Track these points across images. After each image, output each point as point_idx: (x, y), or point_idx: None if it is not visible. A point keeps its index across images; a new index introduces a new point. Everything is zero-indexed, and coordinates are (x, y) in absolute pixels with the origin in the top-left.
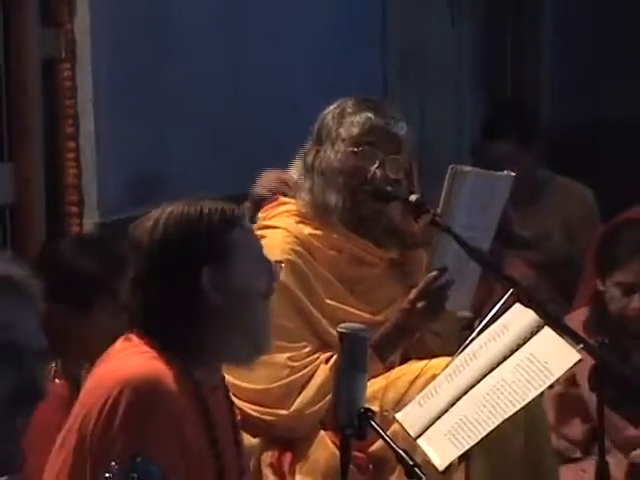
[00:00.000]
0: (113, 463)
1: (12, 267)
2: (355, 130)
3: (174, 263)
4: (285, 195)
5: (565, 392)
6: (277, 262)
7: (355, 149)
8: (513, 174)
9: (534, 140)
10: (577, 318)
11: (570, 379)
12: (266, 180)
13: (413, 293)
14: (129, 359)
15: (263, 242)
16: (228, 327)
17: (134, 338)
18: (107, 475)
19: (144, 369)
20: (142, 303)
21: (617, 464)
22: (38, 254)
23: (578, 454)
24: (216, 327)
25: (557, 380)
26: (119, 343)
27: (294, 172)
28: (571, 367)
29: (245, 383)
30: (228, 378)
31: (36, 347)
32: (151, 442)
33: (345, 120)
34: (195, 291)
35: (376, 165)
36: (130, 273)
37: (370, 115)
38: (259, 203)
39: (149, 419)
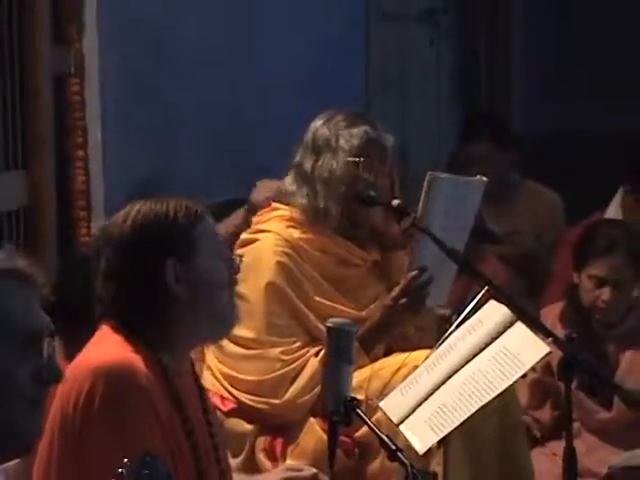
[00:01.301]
0: (125, 460)
1: (17, 259)
2: (355, 142)
3: (140, 257)
4: (280, 202)
5: (541, 379)
6: (238, 256)
7: (355, 160)
8: (485, 179)
9: (507, 144)
10: (553, 311)
11: (547, 368)
12: (262, 188)
13: (395, 291)
14: (101, 349)
15: (256, 245)
16: (193, 316)
17: (106, 328)
18: (120, 470)
19: (116, 357)
20: (112, 294)
21: (586, 446)
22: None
23: (539, 435)
24: (181, 317)
25: (534, 368)
26: (98, 332)
27: (288, 180)
28: (541, 359)
29: (241, 375)
30: (226, 371)
31: (48, 332)
32: (131, 426)
33: (343, 132)
34: (160, 283)
35: (372, 176)
36: (102, 265)
37: (366, 128)
38: (255, 209)
39: (126, 404)
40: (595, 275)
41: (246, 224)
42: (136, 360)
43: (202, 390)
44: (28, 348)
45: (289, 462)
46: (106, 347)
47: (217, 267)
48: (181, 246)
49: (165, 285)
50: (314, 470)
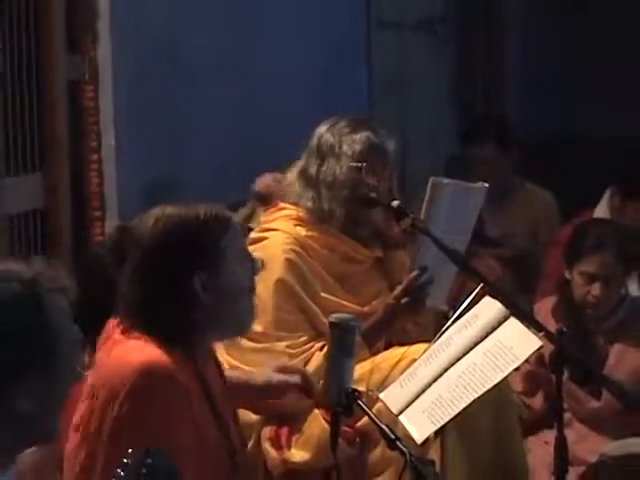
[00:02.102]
0: (130, 450)
1: (60, 274)
2: (358, 147)
3: (170, 264)
4: (286, 201)
5: (535, 371)
6: (260, 260)
7: (358, 165)
8: (486, 185)
9: (511, 147)
10: (545, 306)
11: (540, 360)
12: (262, 181)
13: (397, 290)
14: (133, 350)
15: (265, 243)
16: (216, 319)
17: (127, 330)
18: (125, 460)
19: (155, 358)
20: (139, 296)
21: (576, 435)
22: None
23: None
24: (204, 320)
25: (528, 360)
26: (116, 331)
27: (289, 175)
28: (533, 352)
29: (248, 367)
30: (235, 363)
31: (76, 337)
32: (169, 423)
33: (346, 138)
34: (187, 291)
35: (375, 179)
36: (129, 266)
37: (369, 134)
38: (260, 197)
39: (165, 402)
40: (586, 271)
41: (251, 214)
42: (172, 362)
43: (220, 367)
44: (74, 357)
45: (294, 451)
46: (138, 348)
47: (241, 273)
48: (210, 255)
49: (192, 293)
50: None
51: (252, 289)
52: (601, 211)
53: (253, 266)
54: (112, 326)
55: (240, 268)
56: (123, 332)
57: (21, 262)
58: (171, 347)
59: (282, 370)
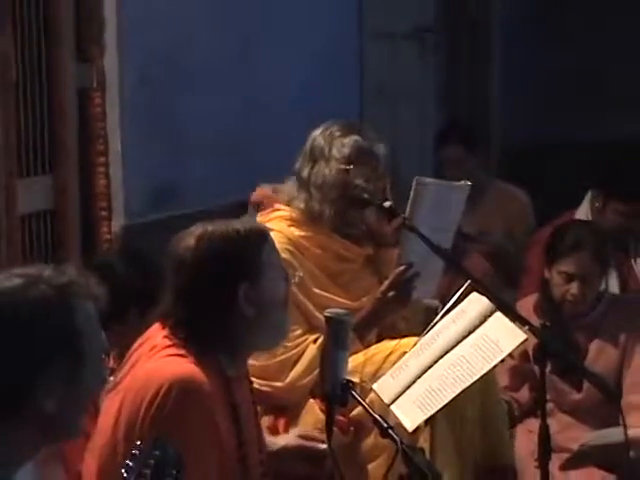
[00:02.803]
0: (138, 442)
1: (90, 282)
2: (346, 151)
3: (214, 281)
4: (281, 203)
5: (519, 365)
6: (289, 270)
7: (346, 167)
8: (469, 184)
9: (474, 148)
10: (528, 303)
11: (524, 354)
12: (260, 191)
13: (384, 285)
14: (172, 362)
15: None
16: (256, 330)
17: (175, 341)
18: (133, 452)
19: (185, 372)
20: (185, 312)
21: (559, 424)
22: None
23: (517, 413)
24: (246, 331)
25: (512, 354)
26: (159, 340)
27: (290, 184)
28: (518, 345)
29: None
30: None
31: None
32: (191, 432)
33: (336, 142)
34: (232, 305)
35: (363, 180)
36: (173, 285)
37: (357, 138)
38: (256, 207)
39: (192, 412)
40: (564, 271)
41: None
42: (204, 377)
43: (252, 387)
44: (100, 362)
45: (303, 429)
46: (178, 360)
47: (279, 285)
48: (251, 269)
49: (236, 308)
50: (325, 447)
51: (287, 301)
52: (582, 212)
53: (286, 276)
54: (156, 331)
55: (277, 280)
56: (169, 337)
57: (54, 268)
58: (211, 360)
59: (305, 437)
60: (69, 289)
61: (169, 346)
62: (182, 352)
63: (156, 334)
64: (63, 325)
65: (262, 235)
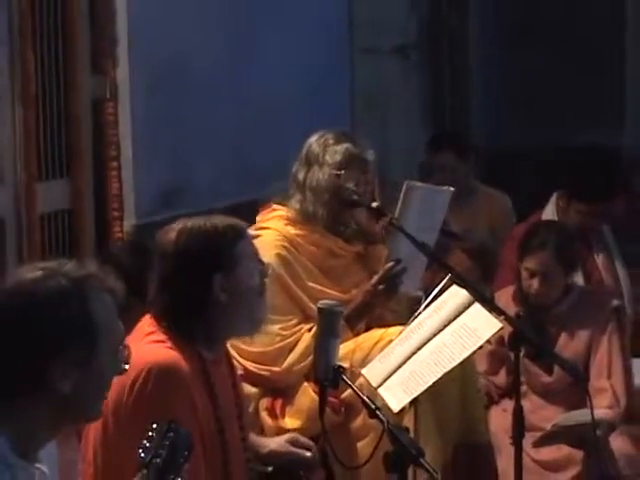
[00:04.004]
0: (154, 425)
1: (108, 276)
2: (338, 157)
3: (192, 271)
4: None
5: (496, 350)
6: (267, 264)
7: (338, 172)
8: (452, 189)
9: (466, 155)
10: (506, 293)
11: (500, 340)
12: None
13: (374, 279)
14: (153, 347)
15: (259, 239)
16: (231, 317)
17: (151, 320)
18: (150, 433)
19: (165, 357)
20: (166, 299)
21: (532, 405)
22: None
23: (497, 398)
24: (222, 317)
25: (489, 341)
26: (145, 327)
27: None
28: (494, 333)
29: (248, 347)
30: (235, 343)
31: (118, 333)
32: (172, 411)
33: (329, 149)
34: (207, 291)
35: (353, 184)
36: (156, 275)
37: (348, 145)
38: None
39: (170, 394)
40: (529, 268)
41: None
42: (181, 359)
43: (234, 371)
44: (116, 351)
45: (287, 418)
46: (157, 347)
47: (253, 276)
48: (226, 260)
49: (211, 295)
50: (311, 454)
51: (263, 291)
52: (549, 211)
53: (262, 268)
54: (145, 319)
55: (252, 271)
56: (152, 324)
57: (75, 263)
58: (183, 345)
59: (293, 443)
60: (85, 281)
61: (151, 332)
62: (162, 338)
63: (144, 322)
64: (78, 314)
65: (237, 230)
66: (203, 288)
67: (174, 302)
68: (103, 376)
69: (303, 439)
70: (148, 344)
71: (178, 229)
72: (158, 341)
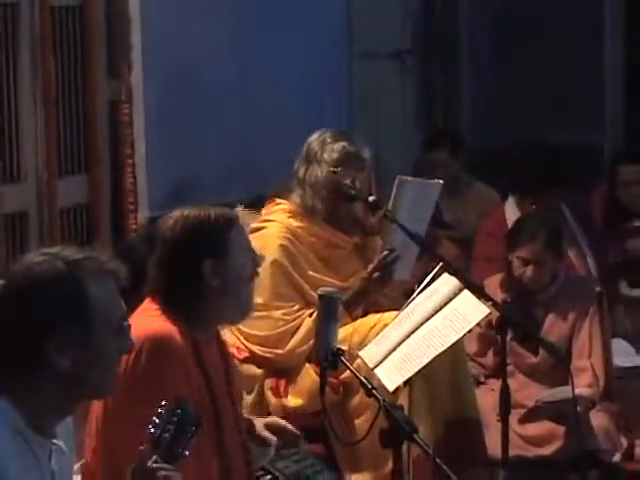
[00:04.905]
0: (163, 402)
1: (111, 261)
2: (335, 155)
3: (185, 255)
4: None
5: (485, 333)
6: (260, 255)
7: (335, 169)
8: (441, 182)
9: (459, 152)
10: (494, 281)
11: (489, 324)
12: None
13: (370, 267)
14: (147, 321)
15: (265, 231)
16: (221, 302)
17: (150, 302)
18: (159, 410)
19: (159, 330)
20: (162, 280)
21: (518, 384)
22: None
23: (483, 379)
24: (212, 301)
25: (479, 325)
26: (144, 305)
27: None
28: (482, 318)
29: (253, 331)
30: (241, 327)
31: (116, 312)
32: (168, 382)
33: (327, 147)
34: (199, 276)
35: (349, 180)
36: (155, 256)
37: (345, 144)
38: None
39: (165, 364)
40: (521, 257)
41: None
42: (174, 333)
43: (225, 350)
44: (118, 329)
45: (290, 397)
46: (152, 320)
47: (245, 263)
48: (218, 246)
49: (202, 278)
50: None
51: (252, 278)
52: (510, 205)
53: (255, 258)
54: (147, 300)
55: (244, 259)
56: (151, 303)
57: (77, 248)
58: (177, 322)
59: (270, 426)
60: (81, 264)
61: (148, 309)
62: (157, 313)
63: (145, 303)
64: (71, 295)
65: (230, 219)
66: (195, 272)
67: (168, 284)
68: (105, 354)
69: (280, 422)
70: (144, 318)
71: (175, 217)
72: (153, 315)
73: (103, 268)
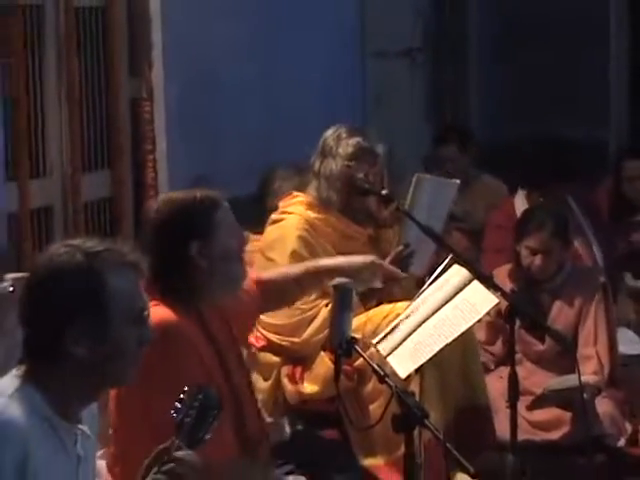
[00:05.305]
0: (185, 388)
1: (134, 254)
2: (350, 150)
3: (171, 235)
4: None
5: (495, 321)
6: (246, 234)
7: (349, 163)
8: (458, 181)
9: (468, 147)
10: (503, 270)
11: (498, 313)
12: None
13: (387, 260)
14: (156, 310)
15: (283, 223)
16: (211, 281)
17: (151, 290)
18: (181, 396)
19: (162, 315)
20: (150, 265)
21: (526, 371)
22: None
23: (492, 367)
24: (205, 281)
25: (488, 314)
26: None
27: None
28: (491, 307)
29: (270, 320)
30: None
31: (136, 304)
32: (182, 366)
33: (342, 142)
34: (186, 257)
35: (363, 174)
36: (143, 240)
37: (359, 139)
38: None
39: (177, 351)
40: (530, 247)
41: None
42: (174, 315)
43: (230, 329)
44: (138, 320)
45: (306, 384)
46: (154, 309)
47: (232, 242)
48: (203, 227)
49: (190, 259)
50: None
51: (241, 257)
52: (520, 197)
53: (242, 236)
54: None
55: (230, 239)
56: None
57: (98, 239)
58: (179, 307)
59: None
60: (101, 256)
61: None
62: (155, 302)
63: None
64: (88, 286)
65: (215, 201)
66: (182, 254)
67: (159, 267)
68: (124, 344)
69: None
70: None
71: (162, 200)
72: (154, 304)
73: (124, 260)
